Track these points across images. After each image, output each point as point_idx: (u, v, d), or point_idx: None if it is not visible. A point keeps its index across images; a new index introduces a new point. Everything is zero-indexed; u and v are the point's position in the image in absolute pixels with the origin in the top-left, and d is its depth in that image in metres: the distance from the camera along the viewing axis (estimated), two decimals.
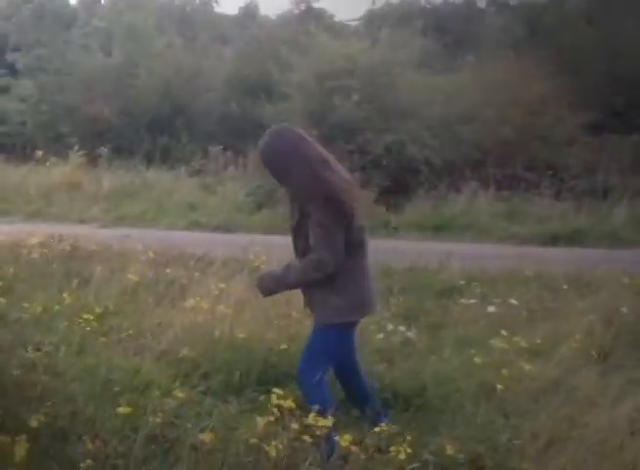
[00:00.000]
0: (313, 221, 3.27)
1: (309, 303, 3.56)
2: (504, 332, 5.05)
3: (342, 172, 3.43)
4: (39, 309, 5.28)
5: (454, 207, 11.89)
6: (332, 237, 3.24)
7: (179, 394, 3.51)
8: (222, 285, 5.55)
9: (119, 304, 5.70)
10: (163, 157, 15.94)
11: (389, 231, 10.94)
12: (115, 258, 6.93)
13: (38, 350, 4.32)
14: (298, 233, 3.42)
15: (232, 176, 14.08)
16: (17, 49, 20.19)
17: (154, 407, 3.33)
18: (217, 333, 4.70)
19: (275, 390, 3.09)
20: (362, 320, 3.70)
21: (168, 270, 6.44)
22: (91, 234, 8.63)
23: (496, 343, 4.85)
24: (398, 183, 12.30)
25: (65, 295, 5.43)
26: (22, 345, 4.35)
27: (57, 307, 5.26)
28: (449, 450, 3.16)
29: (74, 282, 6.05)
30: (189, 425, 3.22)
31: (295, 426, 2.94)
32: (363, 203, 3.64)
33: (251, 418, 3.34)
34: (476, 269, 7.73)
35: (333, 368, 3.69)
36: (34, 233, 7.73)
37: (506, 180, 12.18)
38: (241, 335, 4.64)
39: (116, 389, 3.77)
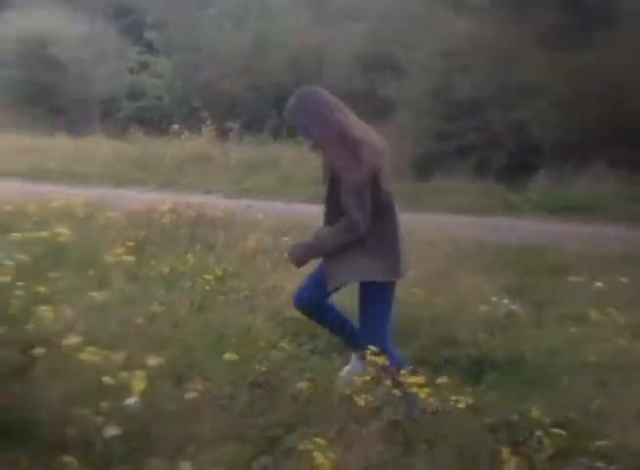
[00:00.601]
0: (343, 184, 3.41)
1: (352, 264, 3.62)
2: (610, 310, 5.06)
3: (369, 133, 3.59)
4: (166, 269, 5.76)
5: (577, 187, 11.66)
6: (361, 198, 3.38)
7: (285, 347, 3.82)
8: None
9: (238, 267, 6.10)
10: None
11: (509, 210, 10.89)
12: (238, 227, 7.37)
13: (163, 304, 4.74)
14: (330, 201, 3.56)
15: None
16: (154, 27, 21.15)
17: (261, 357, 3.65)
18: None
19: (371, 347, 3.32)
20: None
21: (286, 238, 6.79)
22: (217, 204, 9.11)
23: (600, 319, 4.89)
24: (520, 162, 12.17)
25: (189, 256, 5.87)
26: (149, 299, 4.80)
27: (182, 268, 5.72)
28: (535, 413, 3.30)
29: (198, 246, 6.52)
30: (291, 375, 3.51)
31: (387, 382, 3.16)
32: (388, 168, 3.62)
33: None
34: (591, 250, 7.66)
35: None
36: (165, 201, 8.28)
37: (633, 162, 11.79)
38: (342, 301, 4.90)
39: (229, 342, 4.12)
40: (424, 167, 12.41)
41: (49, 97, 19.16)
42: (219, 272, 5.59)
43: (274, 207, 9.71)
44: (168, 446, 2.82)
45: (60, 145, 14.73)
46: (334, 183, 3.51)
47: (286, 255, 3.85)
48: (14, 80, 19.26)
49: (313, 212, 9.31)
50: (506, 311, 5.22)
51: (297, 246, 3.76)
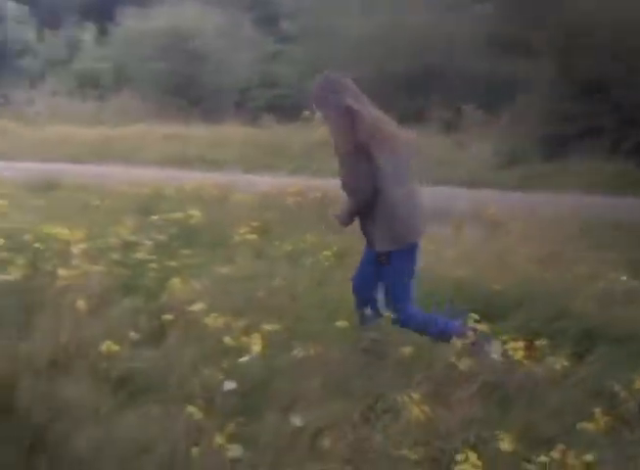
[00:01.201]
0: (337, 153, 3.94)
1: (366, 234, 4.14)
2: None
3: (377, 112, 4.00)
4: (289, 247, 6.08)
5: None
6: (352, 168, 3.88)
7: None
8: (450, 231, 5.96)
9: (358, 245, 6.32)
10: (417, 116, 16.41)
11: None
12: None
13: (284, 279, 5.04)
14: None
15: (482, 134, 14.21)
16: (288, 16, 21.66)
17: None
18: (440, 272, 5.14)
19: (472, 315, 3.46)
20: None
21: None
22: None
23: None
24: None
25: (309, 236, 6.16)
26: (271, 275, 5.11)
27: (303, 246, 6.01)
28: (638, 384, 3.34)
29: (323, 226, 6.80)
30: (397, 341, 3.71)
31: (487, 348, 3.30)
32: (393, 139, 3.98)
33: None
34: None
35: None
36: (293, 184, 8.64)
37: None
38: (462, 274, 5.04)
39: (343, 313, 4.35)
40: (553, 148, 12.17)
41: (189, 88, 20.07)
42: (338, 250, 5.82)
43: None
44: (281, 400, 3.09)
45: (197, 133, 15.45)
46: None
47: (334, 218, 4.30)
48: (159, 73, 20.29)
49: (438, 193, 9.42)
50: (625, 288, 5.18)
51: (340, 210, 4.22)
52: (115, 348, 3.50)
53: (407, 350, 3.47)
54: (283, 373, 3.28)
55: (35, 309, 4.16)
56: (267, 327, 3.58)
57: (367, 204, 3.89)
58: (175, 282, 4.55)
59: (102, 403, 3.17)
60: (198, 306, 3.97)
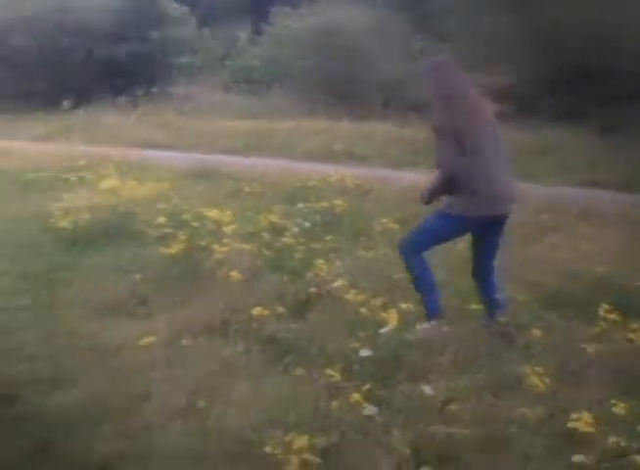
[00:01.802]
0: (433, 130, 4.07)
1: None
2: None
3: (476, 97, 4.14)
4: None
5: None
6: (444, 143, 3.98)
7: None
8: (586, 229, 5.99)
9: None
10: (571, 115, 16.04)
11: None
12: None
13: None
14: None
15: None
16: (437, 15, 21.68)
17: None
18: (578, 267, 5.21)
19: (604, 305, 3.55)
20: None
21: (545, 215, 6.99)
22: None
23: None
24: None
25: None
26: None
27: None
28: None
29: None
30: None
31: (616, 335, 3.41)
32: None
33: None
34: None
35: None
36: None
37: None
38: (599, 269, 5.09)
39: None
40: None
41: (338, 85, 20.54)
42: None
43: (537, 188, 9.79)
44: (413, 371, 3.34)
45: (344, 129, 15.85)
46: None
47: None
48: (310, 70, 20.91)
49: (582, 196, 9.31)
50: None
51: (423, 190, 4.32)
52: (265, 312, 3.86)
53: (537, 332, 3.63)
54: (416, 347, 3.52)
55: (193, 279, 4.62)
56: (403, 305, 3.83)
57: (451, 181, 4.02)
58: (319, 262, 4.90)
59: (252, 362, 3.54)
60: (339, 283, 4.29)
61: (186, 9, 24.73)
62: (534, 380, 3.07)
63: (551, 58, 18.00)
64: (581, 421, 2.66)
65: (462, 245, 5.62)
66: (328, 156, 13.28)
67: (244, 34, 24.48)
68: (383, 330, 3.59)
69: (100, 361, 3.81)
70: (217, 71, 23.42)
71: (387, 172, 10.77)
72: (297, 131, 15.09)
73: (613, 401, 2.94)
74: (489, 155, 4.06)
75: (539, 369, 3.19)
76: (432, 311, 4.00)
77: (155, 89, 19.72)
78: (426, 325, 3.92)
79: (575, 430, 2.67)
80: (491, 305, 4.17)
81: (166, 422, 3.16)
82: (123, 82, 20.93)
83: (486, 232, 4.23)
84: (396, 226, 6.36)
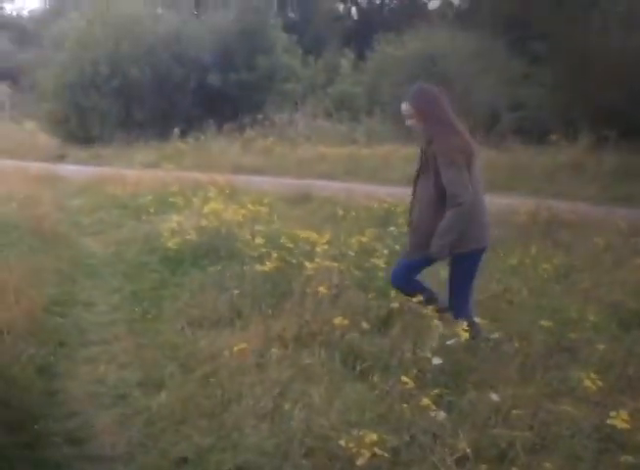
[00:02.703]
0: (444, 163, 4.05)
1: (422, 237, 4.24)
2: None
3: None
4: (514, 261, 6.48)
5: None
6: (462, 175, 4.03)
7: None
8: None
9: (585, 263, 6.58)
10: None
11: None
12: (588, 228, 7.78)
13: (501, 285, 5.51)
14: (425, 176, 4.20)
15: None
16: (538, 38, 21.62)
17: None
18: None
19: None
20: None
21: (633, 240, 7.07)
22: (577, 209, 9.46)
23: None
24: None
25: (533, 250, 6.52)
26: (492, 282, 5.58)
27: (527, 260, 6.39)
28: None
29: (549, 243, 7.12)
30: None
31: None
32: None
33: None
34: None
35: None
36: (525, 205, 8.97)
37: None
38: None
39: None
40: None
41: None
42: (560, 264, 6.15)
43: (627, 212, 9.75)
44: (480, 379, 3.60)
45: None
46: (429, 162, 4.17)
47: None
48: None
49: None
50: None
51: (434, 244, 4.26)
52: (348, 324, 4.20)
53: (600, 346, 3.82)
54: (481, 355, 3.78)
55: (285, 294, 5.01)
56: (476, 319, 4.09)
57: (466, 215, 4.10)
58: None
59: (333, 370, 3.88)
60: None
61: (293, 37, 25.60)
62: (588, 383, 3.29)
63: None
64: (618, 418, 2.87)
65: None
66: None
67: (346, 61, 25.08)
68: (449, 341, 3.86)
69: (197, 367, 4.25)
70: (320, 98, 24.07)
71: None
72: (394, 157, 15.42)
73: None
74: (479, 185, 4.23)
75: (594, 376, 3.40)
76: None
77: (260, 116, 20.45)
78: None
79: (614, 426, 2.88)
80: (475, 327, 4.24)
81: (255, 422, 3.53)
82: (231, 110, 21.84)
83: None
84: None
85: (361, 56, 24.63)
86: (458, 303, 4.33)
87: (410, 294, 4.42)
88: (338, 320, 4.18)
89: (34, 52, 37.64)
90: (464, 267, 4.32)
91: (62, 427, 3.75)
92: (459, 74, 21.51)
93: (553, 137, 16.43)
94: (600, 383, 3.27)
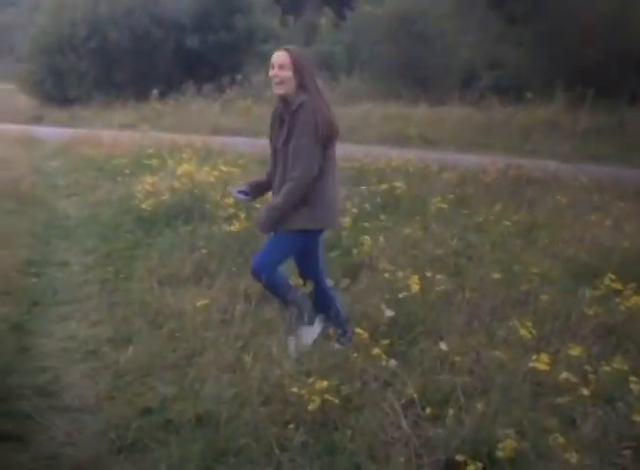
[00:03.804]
0: (301, 131, 3.69)
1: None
2: None
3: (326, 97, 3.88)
4: (481, 218, 6.66)
5: None
6: (312, 150, 3.69)
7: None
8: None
9: (546, 218, 6.77)
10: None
11: None
12: (554, 185, 7.97)
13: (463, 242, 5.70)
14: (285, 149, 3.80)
15: None
16: None
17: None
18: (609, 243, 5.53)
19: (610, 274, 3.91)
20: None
21: (595, 196, 7.27)
22: (550, 167, 9.62)
23: None
24: None
25: (497, 209, 6.71)
26: (455, 238, 5.77)
27: (491, 217, 6.57)
28: None
29: (515, 200, 7.31)
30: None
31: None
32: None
33: None
34: None
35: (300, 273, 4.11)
36: (495, 163, 9.14)
37: None
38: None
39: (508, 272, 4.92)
40: None
41: (414, 69, 20.79)
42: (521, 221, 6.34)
43: (607, 171, 9.94)
44: (430, 330, 3.80)
45: (419, 113, 16.16)
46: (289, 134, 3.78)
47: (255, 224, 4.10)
48: (387, 55, 21.23)
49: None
50: None
51: (260, 217, 3.99)
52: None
53: (545, 297, 4.03)
54: (432, 307, 3.98)
55: (251, 254, 5.17)
56: (428, 274, 4.28)
57: (300, 191, 3.77)
58: (367, 240, 5.38)
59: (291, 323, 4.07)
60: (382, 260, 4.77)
61: None
62: (524, 332, 3.51)
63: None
64: (539, 362, 3.09)
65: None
66: (401, 140, 13.66)
67: (325, 21, 24.96)
68: (401, 295, 4.04)
69: (165, 323, 4.42)
70: None
71: (455, 156, 11.08)
72: (372, 116, 15.51)
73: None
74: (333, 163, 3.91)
75: (530, 324, 3.61)
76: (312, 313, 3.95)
77: (239, 77, 20.39)
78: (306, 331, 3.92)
79: (535, 369, 3.11)
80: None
81: (217, 374, 3.71)
82: (210, 71, 21.75)
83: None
84: (448, 207, 6.79)
85: (341, 15, 24.50)
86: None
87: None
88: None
89: (12, 13, 37.25)
90: (299, 244, 3.95)
91: (33, 381, 3.91)
92: (438, 33, 21.50)
93: (529, 96, 16.53)
94: (535, 331, 3.48)
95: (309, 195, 3.78)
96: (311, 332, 3.94)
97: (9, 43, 32.95)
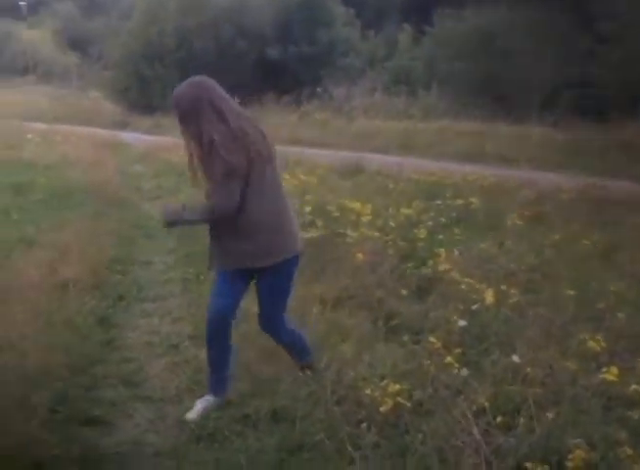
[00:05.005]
0: (213, 170, 3.33)
1: (215, 248, 3.58)
2: None
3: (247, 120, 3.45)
4: (556, 236, 6.63)
5: None
6: (229, 187, 3.32)
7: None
8: None
9: (626, 240, 6.70)
10: None
11: None
12: (635, 207, 7.89)
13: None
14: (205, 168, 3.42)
15: None
16: (606, 17, 21.21)
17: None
18: None
19: None
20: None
21: None
22: (628, 188, 9.47)
23: None
24: None
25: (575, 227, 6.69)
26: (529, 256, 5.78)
27: (569, 236, 6.54)
28: None
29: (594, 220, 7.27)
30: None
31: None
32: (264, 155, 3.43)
33: None
34: None
35: None
36: (574, 183, 9.06)
37: None
38: None
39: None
40: None
41: (493, 86, 20.65)
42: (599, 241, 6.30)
43: None
44: (503, 341, 3.85)
45: (496, 131, 16.07)
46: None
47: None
48: (466, 71, 21.16)
49: None
50: None
51: (168, 207, 3.68)
52: (385, 291, 4.49)
53: (621, 315, 4.04)
54: (504, 320, 4.03)
55: (328, 260, 5.31)
56: (502, 287, 4.33)
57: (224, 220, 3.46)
58: (441, 252, 5.46)
59: (366, 330, 4.18)
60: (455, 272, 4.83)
61: (352, 12, 25.68)
62: (594, 345, 3.55)
63: None
64: (609, 373, 3.14)
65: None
66: (477, 157, 13.61)
67: (405, 36, 25.04)
68: (474, 306, 4.11)
69: (242, 323, 4.58)
70: (378, 72, 24.16)
71: (533, 174, 11.00)
72: (449, 132, 15.51)
73: None
74: (270, 188, 3.49)
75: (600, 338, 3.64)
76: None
77: (318, 89, 20.68)
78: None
79: (606, 382, 3.14)
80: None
81: (292, 373, 3.84)
82: (290, 82, 22.13)
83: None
84: (524, 224, 6.80)
85: (420, 30, 24.56)
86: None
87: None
88: (374, 286, 4.46)
89: (103, 22, 38.60)
90: (274, 280, 3.62)
91: (117, 371, 4.13)
92: (519, 50, 21.31)
93: (612, 116, 16.25)
94: (607, 346, 3.50)
95: None
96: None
97: (97, 52, 34.15)
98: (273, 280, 3.62)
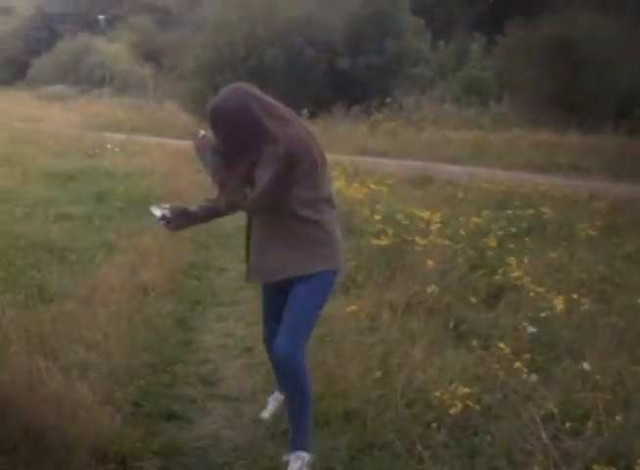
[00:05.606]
0: (268, 172, 3.01)
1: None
2: None
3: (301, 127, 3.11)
4: (631, 248, 6.57)
5: None
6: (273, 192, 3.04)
7: None
8: None
9: None
10: None
11: None
12: None
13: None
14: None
15: None
16: None
17: None
18: None
19: None
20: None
21: None
22: None
23: None
24: None
25: None
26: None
27: None
28: None
29: None
30: None
31: None
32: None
33: None
34: None
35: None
36: None
37: None
38: None
39: None
40: None
41: (567, 95, 20.35)
42: None
43: None
44: (573, 349, 3.89)
45: (569, 141, 15.85)
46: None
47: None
48: (540, 81, 20.91)
49: None
50: None
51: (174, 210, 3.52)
52: (454, 298, 4.56)
53: None
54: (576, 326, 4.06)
55: (398, 267, 5.41)
56: (574, 295, 4.35)
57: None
58: (512, 260, 5.49)
59: (436, 335, 4.27)
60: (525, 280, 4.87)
61: (422, 22, 25.69)
62: None
63: None
64: None
65: None
66: (549, 167, 13.48)
67: (476, 45, 24.93)
68: (544, 313, 4.15)
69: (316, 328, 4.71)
70: (449, 83, 24.12)
71: (606, 185, 10.84)
72: (520, 142, 15.38)
73: None
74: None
75: None
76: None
77: (388, 99, 20.74)
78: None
79: None
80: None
81: (364, 375, 3.95)
82: (359, 92, 22.24)
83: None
84: (596, 233, 6.76)
85: (492, 40, 24.41)
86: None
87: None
88: (443, 293, 4.54)
89: (176, 34, 39.55)
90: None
91: (196, 371, 4.31)
92: (596, 59, 20.96)
93: None
94: None
95: None
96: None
97: (171, 63, 34.99)
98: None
